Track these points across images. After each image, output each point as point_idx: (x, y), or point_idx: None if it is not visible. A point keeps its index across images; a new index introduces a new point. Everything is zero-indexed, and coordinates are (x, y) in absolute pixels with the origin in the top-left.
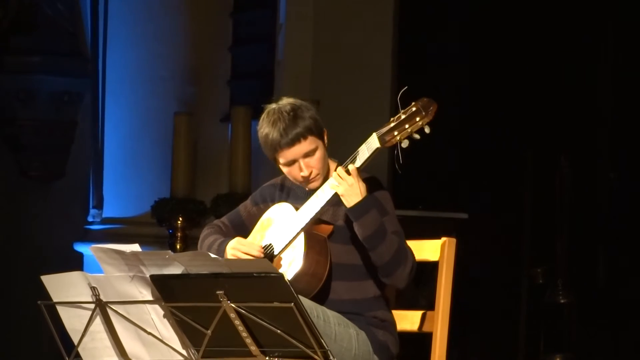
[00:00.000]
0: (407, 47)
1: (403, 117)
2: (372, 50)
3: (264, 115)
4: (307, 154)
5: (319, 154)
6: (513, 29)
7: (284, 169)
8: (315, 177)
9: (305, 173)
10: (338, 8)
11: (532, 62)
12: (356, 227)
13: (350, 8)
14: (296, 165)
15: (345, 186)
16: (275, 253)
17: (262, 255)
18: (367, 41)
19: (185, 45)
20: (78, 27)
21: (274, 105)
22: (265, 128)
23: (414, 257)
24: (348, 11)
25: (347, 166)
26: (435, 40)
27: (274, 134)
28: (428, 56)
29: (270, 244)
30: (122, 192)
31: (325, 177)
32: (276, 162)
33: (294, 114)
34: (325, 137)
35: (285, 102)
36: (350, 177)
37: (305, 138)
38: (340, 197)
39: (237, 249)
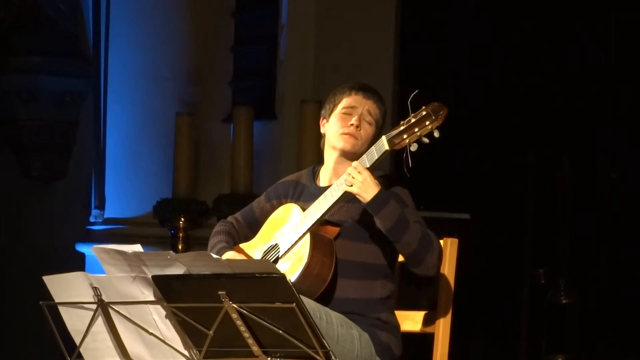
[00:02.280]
0: (409, 47)
1: (413, 120)
2: (374, 50)
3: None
4: (368, 115)
5: (371, 129)
6: (514, 29)
7: (336, 117)
8: (356, 137)
9: (355, 122)
10: (340, 8)
11: (534, 62)
12: (377, 221)
13: (352, 8)
14: (352, 115)
15: (358, 184)
16: (281, 253)
17: None
18: (369, 41)
19: (187, 46)
20: (80, 28)
21: None
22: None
23: (439, 242)
24: (350, 11)
25: (353, 164)
26: (437, 40)
27: (357, 82)
28: (430, 56)
29: (276, 244)
30: (124, 192)
31: (356, 158)
32: (331, 112)
33: (380, 93)
34: (376, 133)
35: None
36: (360, 174)
37: (378, 106)
38: (357, 196)
39: None
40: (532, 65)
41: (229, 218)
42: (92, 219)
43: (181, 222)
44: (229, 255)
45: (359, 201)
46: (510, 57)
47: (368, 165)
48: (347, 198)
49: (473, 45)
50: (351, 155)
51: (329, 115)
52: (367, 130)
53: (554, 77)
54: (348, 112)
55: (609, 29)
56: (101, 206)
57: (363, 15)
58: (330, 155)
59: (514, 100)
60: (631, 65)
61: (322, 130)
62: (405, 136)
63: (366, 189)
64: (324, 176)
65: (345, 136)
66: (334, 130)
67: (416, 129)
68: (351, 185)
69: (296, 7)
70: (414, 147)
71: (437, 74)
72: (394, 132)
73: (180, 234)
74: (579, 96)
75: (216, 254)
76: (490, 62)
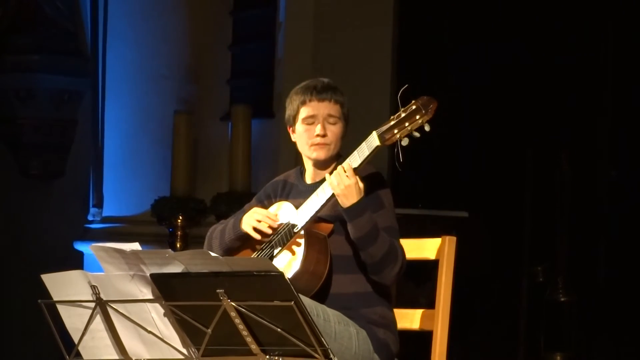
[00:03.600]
0: (407, 45)
1: (403, 115)
2: (372, 48)
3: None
4: (329, 117)
5: (338, 127)
6: (513, 27)
7: (300, 128)
8: (326, 143)
9: (320, 132)
10: (338, 6)
11: (533, 60)
12: (349, 227)
13: (350, 6)
14: (315, 124)
15: (342, 187)
16: (275, 252)
17: (275, 223)
18: (367, 39)
19: (185, 44)
20: (78, 26)
21: None
22: (298, 86)
23: (404, 256)
24: (348, 9)
25: (344, 165)
26: (436, 38)
27: (308, 85)
28: (428, 54)
29: (270, 242)
30: (122, 190)
31: (334, 159)
32: (294, 121)
33: (332, 84)
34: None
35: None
36: (348, 178)
37: (335, 102)
38: (337, 197)
39: (252, 217)
40: (531, 62)
41: (222, 221)
42: (90, 218)
43: (179, 221)
44: (249, 213)
45: None
46: (510, 53)
47: (359, 162)
48: (327, 203)
49: (471, 43)
50: (327, 160)
51: (294, 124)
52: (334, 131)
53: (553, 74)
54: (310, 122)
55: (607, 26)
56: (99, 204)
57: (361, 13)
58: (307, 162)
59: (512, 97)
60: (630, 61)
61: (292, 139)
62: (395, 131)
63: (348, 194)
64: (309, 176)
65: (315, 146)
66: (303, 141)
67: (407, 124)
68: (337, 185)
69: (294, 6)
70: (405, 142)
71: (435, 71)
72: (385, 128)
73: (179, 232)
74: (577, 93)
75: (232, 226)
76: (489, 59)
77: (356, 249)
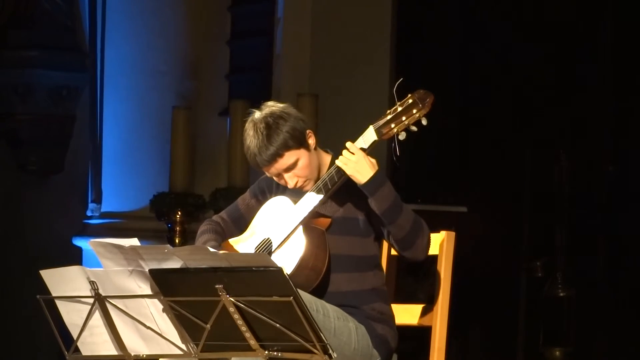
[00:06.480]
0: (405, 41)
1: (400, 109)
2: (371, 44)
3: (246, 126)
4: (288, 168)
5: (302, 162)
6: (512, 23)
7: (274, 178)
8: (303, 183)
9: (290, 184)
10: (336, 1)
11: (532, 56)
12: (372, 203)
13: (348, 1)
14: (282, 176)
15: (352, 164)
16: (274, 247)
17: None
18: (365, 35)
19: (184, 39)
20: (76, 22)
21: (256, 114)
22: (246, 141)
23: (428, 227)
24: (346, 5)
25: (346, 145)
26: (435, 34)
27: (252, 151)
28: (427, 50)
29: (268, 238)
30: (120, 186)
31: (318, 178)
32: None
33: (268, 132)
34: (311, 139)
35: (263, 113)
36: (353, 155)
37: (281, 155)
38: (351, 177)
39: None
40: (530, 58)
41: (214, 217)
42: (89, 213)
43: (178, 216)
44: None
45: (341, 196)
46: (509, 49)
47: None
48: (331, 193)
49: (471, 39)
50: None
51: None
52: (303, 168)
53: (552, 70)
54: (276, 176)
55: (605, 21)
56: (98, 200)
57: (359, 9)
58: None
59: (511, 93)
60: (629, 57)
61: None
62: (392, 125)
63: (360, 169)
64: None
65: (298, 189)
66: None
67: (403, 118)
68: (346, 165)
69: (292, 1)
70: (402, 136)
71: (434, 67)
72: (382, 122)
73: (177, 228)
74: (576, 89)
75: None
76: (488, 55)
77: (358, 245)
